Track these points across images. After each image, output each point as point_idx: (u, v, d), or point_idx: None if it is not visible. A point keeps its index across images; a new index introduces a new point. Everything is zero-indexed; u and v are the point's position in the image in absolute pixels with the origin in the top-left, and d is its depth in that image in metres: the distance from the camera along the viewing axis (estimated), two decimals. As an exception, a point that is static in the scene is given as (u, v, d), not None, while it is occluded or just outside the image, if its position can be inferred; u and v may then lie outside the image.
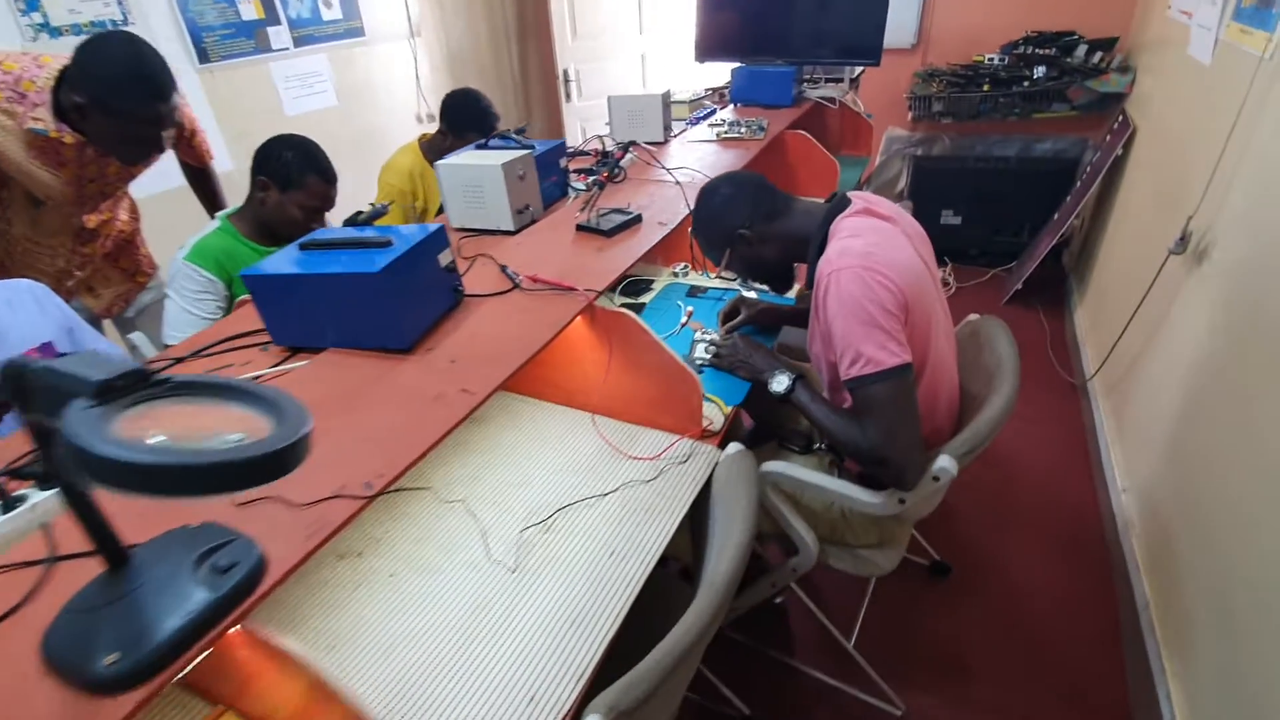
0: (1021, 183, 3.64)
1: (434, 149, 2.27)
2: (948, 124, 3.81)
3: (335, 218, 1.71)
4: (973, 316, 1.58)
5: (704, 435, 1.27)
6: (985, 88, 3.63)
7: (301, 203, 1.62)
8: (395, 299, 1.03)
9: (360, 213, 1.44)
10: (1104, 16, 3.44)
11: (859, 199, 1.31)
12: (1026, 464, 2.40)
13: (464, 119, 2.23)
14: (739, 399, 1.39)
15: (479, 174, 1.54)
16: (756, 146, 2.17)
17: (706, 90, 2.86)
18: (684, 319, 1.70)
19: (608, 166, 1.60)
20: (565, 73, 3.95)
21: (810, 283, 1.27)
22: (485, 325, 1.16)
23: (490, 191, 1.55)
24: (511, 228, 1.58)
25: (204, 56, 2.60)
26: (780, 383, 1.34)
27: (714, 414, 1.34)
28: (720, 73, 2.99)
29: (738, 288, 1.83)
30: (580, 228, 1.54)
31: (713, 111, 2.69)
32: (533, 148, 1.74)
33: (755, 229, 1.34)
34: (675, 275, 1.89)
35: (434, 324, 1.15)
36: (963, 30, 3.74)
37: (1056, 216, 3.47)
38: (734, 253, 1.38)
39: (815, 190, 2.43)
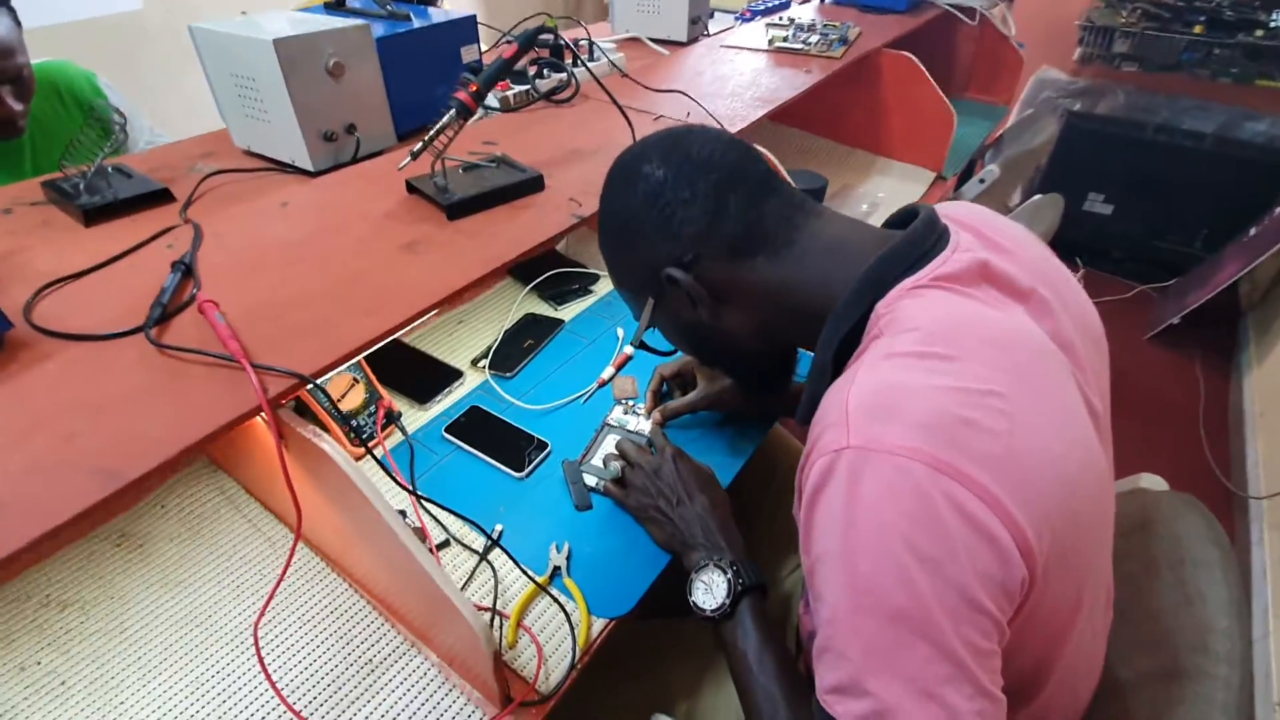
0: (1212, 173, 2.58)
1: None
2: (1129, 72, 2.73)
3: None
4: (1144, 481, 0.81)
5: (520, 705, 0.59)
6: (1197, 30, 2.53)
7: None
8: None
9: None
10: None
11: (964, 223, 0.56)
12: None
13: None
14: (624, 606, 0.68)
15: (247, 55, 0.81)
16: (827, 69, 1.32)
17: (784, -28, 1.95)
18: (609, 370, 0.97)
19: (495, 74, 0.81)
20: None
21: (807, 413, 0.53)
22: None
23: (268, 93, 0.82)
24: (310, 165, 0.87)
25: None
26: (710, 590, 0.64)
27: (557, 641, 0.65)
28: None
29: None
30: (411, 188, 0.81)
31: (784, 5, 1.81)
32: (406, 18, 0.99)
33: (705, 268, 0.58)
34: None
35: None
36: (1187, -64, 2.58)
37: (1254, 232, 2.45)
38: (661, 309, 0.63)
39: (914, 154, 1.57)
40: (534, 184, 0.82)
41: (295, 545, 0.53)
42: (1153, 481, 0.81)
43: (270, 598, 0.54)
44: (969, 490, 0.41)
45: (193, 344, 0.56)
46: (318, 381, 0.54)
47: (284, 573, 0.53)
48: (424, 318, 0.63)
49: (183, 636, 0.66)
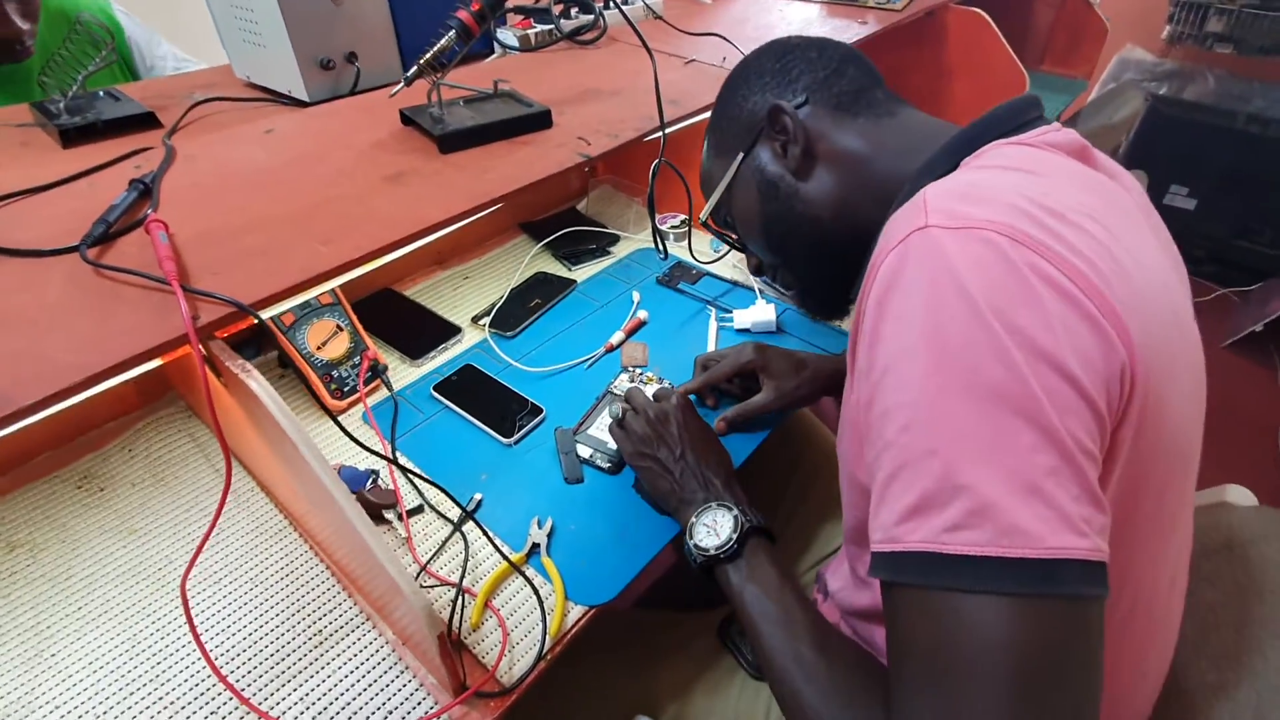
0: (1310, 168, 2.35)
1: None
2: (1223, 54, 2.49)
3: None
4: (1230, 494, 0.68)
5: (475, 696, 0.52)
6: (1304, 7, 2.29)
7: None
8: None
9: None
10: None
11: (1064, 131, 0.48)
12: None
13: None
14: (605, 594, 0.60)
15: (238, -32, 0.75)
16: (884, 21, 1.20)
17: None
18: (619, 335, 0.88)
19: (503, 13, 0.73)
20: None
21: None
22: None
23: (263, 15, 0.76)
24: (305, 95, 0.80)
25: None
26: (714, 530, 0.57)
27: (527, 627, 0.58)
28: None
29: (759, 303, 0.96)
30: (406, 119, 0.74)
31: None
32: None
33: (809, 114, 0.55)
34: (662, 236, 1.04)
35: None
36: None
37: (1359, 234, 2.21)
38: (746, 165, 0.58)
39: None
40: (539, 119, 0.74)
41: (226, 492, 0.46)
42: (1240, 495, 0.68)
43: (199, 550, 0.48)
44: (1059, 268, 0.35)
45: (133, 266, 0.50)
46: (261, 315, 0.48)
47: (214, 521, 0.47)
48: (394, 253, 0.56)
49: (128, 589, 0.60)
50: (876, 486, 0.38)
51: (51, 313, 0.46)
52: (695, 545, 0.57)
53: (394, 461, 0.64)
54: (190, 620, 0.49)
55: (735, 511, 0.57)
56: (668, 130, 0.77)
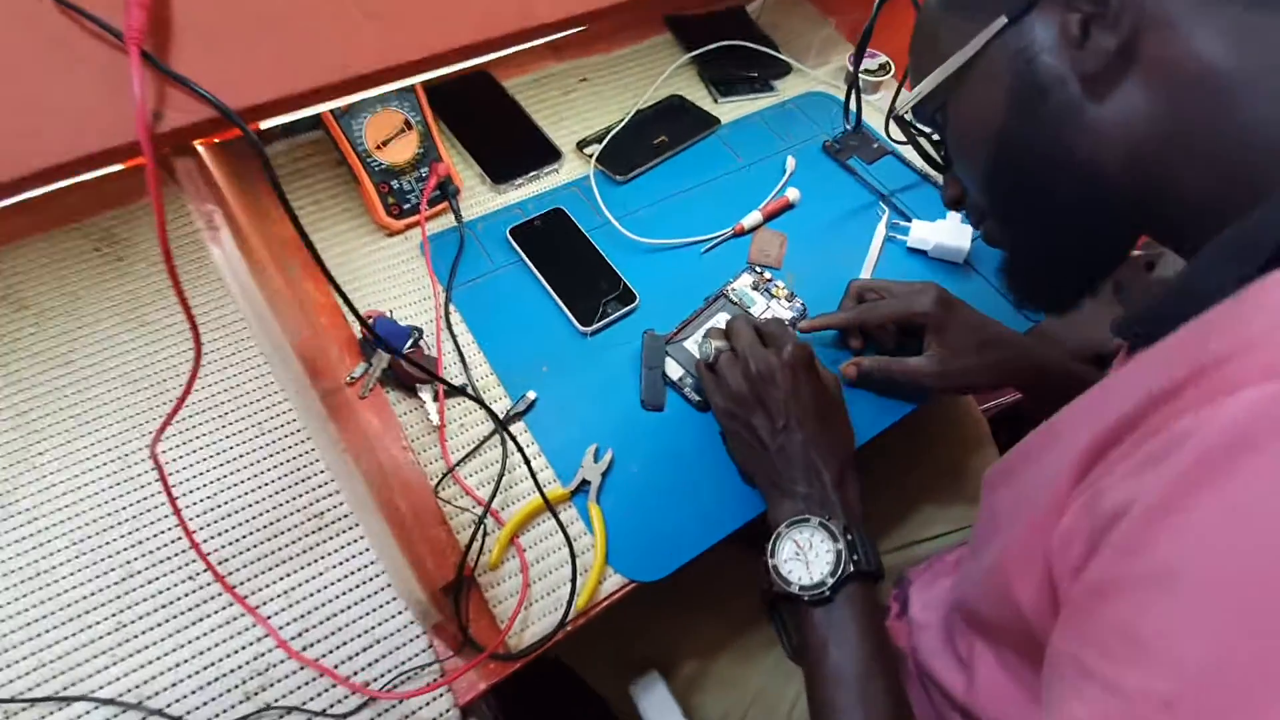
0: None
1: None
2: None
3: None
4: None
5: (479, 655, 0.43)
6: None
7: None
8: None
9: None
10: None
11: None
12: None
13: None
14: (656, 572, 0.48)
15: None
16: None
17: None
18: (756, 216, 0.67)
19: None
20: None
21: (1129, 328, 0.33)
22: None
23: None
24: None
25: None
26: (805, 557, 0.45)
27: (554, 582, 0.47)
28: None
29: (951, 220, 0.70)
30: None
31: None
32: None
33: None
34: (858, 89, 0.75)
35: None
36: None
37: None
38: (1005, 42, 0.34)
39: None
40: None
41: (194, 374, 0.34)
42: None
43: (170, 417, 0.38)
44: None
45: (97, 7, 0.33)
46: (249, 128, 0.31)
47: (187, 391, 0.36)
48: (486, 56, 0.37)
49: (129, 394, 0.53)
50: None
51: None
52: (775, 568, 0.44)
53: (441, 382, 0.51)
54: (166, 486, 0.39)
55: (840, 545, 0.43)
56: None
